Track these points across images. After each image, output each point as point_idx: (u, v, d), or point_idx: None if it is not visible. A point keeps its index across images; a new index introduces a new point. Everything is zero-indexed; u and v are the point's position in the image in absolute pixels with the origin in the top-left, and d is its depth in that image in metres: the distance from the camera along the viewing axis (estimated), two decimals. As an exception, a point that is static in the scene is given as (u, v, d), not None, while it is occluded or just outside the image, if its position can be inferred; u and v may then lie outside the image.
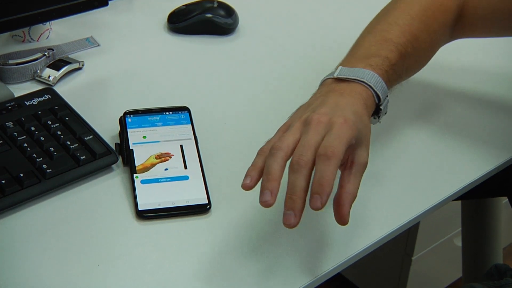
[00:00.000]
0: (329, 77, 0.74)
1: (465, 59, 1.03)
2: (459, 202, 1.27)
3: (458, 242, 1.55)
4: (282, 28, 1.10)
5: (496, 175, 0.84)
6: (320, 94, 0.72)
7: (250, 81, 0.97)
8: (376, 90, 0.72)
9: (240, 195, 0.76)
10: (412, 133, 0.88)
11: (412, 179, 0.81)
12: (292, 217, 0.61)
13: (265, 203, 0.62)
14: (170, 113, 0.84)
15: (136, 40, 1.04)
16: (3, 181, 0.73)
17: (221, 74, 0.98)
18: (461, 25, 0.84)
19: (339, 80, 0.72)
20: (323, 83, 0.75)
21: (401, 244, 1.51)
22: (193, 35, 1.06)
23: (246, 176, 0.65)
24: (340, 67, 0.74)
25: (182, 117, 0.84)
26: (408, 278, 1.54)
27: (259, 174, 0.65)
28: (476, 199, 1.23)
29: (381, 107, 0.73)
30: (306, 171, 0.62)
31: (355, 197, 0.65)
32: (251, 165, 0.66)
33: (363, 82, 0.72)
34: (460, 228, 1.31)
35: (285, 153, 0.64)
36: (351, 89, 0.71)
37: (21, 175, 0.74)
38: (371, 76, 0.72)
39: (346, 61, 0.76)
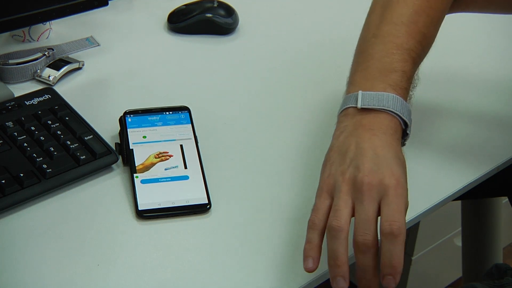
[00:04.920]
0: (351, 105, 0.69)
1: (465, 59, 1.03)
2: (459, 202, 1.27)
3: (458, 242, 1.55)
4: (282, 28, 1.10)
5: (496, 175, 0.84)
6: (349, 133, 0.68)
7: (250, 80, 0.97)
8: (403, 117, 0.68)
9: (240, 195, 0.77)
10: (412, 133, 0.87)
11: (412, 178, 0.80)
12: None
13: None
14: (170, 113, 0.84)
15: (136, 40, 1.04)
16: (3, 181, 0.73)
17: (221, 73, 0.98)
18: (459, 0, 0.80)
19: (363, 109, 0.68)
20: (345, 112, 0.70)
21: (401, 244, 1.51)
22: (193, 35, 1.06)
23: (306, 257, 0.62)
24: (360, 92, 0.69)
25: (182, 117, 0.84)
26: (408, 278, 1.54)
27: (319, 252, 0.63)
28: (476, 199, 1.23)
29: (408, 132, 0.70)
30: (374, 249, 0.61)
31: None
32: (307, 243, 0.63)
33: (390, 111, 0.68)
34: (460, 228, 1.31)
35: (346, 232, 0.62)
36: (380, 123, 0.67)
37: (21, 174, 0.74)
38: (395, 102, 0.68)
39: (361, 79, 0.71)
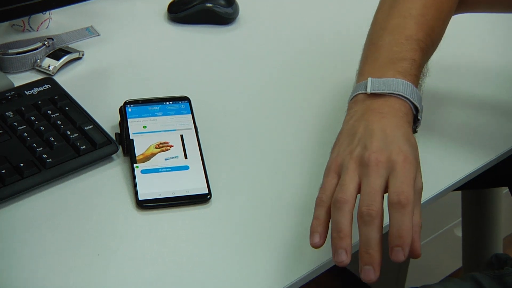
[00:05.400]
0: (360, 92, 0.70)
1: (467, 49, 1.03)
2: (460, 192, 1.27)
3: (458, 232, 1.55)
4: (283, 18, 1.10)
5: (497, 165, 0.84)
6: (358, 117, 0.68)
7: (250, 70, 0.97)
8: (413, 101, 0.68)
9: (240, 185, 0.77)
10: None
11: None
12: (371, 272, 0.59)
13: (341, 263, 0.59)
14: (170, 103, 0.84)
15: (136, 30, 1.04)
16: (3, 171, 0.73)
17: (221, 63, 0.98)
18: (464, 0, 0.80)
19: (373, 94, 0.69)
20: (355, 99, 0.70)
21: (402, 234, 1.51)
22: (193, 24, 1.06)
23: (312, 233, 0.62)
24: (370, 79, 0.69)
25: (182, 107, 0.84)
26: (408, 268, 1.54)
27: (326, 228, 0.62)
28: (477, 189, 1.23)
29: (419, 117, 0.70)
30: (378, 221, 0.60)
31: (421, 226, 0.62)
32: (314, 219, 0.63)
33: (400, 95, 0.68)
34: (461, 218, 1.31)
35: (351, 205, 0.61)
36: (390, 106, 0.67)
37: (21, 164, 0.74)
38: (405, 87, 0.68)
39: (370, 69, 0.72)
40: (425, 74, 0.75)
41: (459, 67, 0.96)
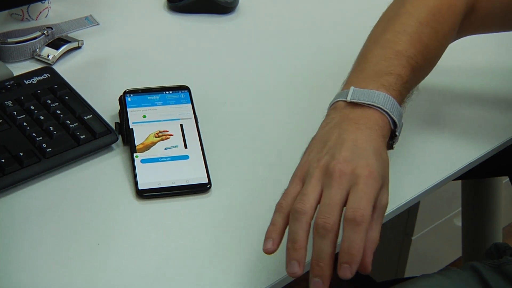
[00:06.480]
0: (340, 99, 0.69)
1: (463, 43, 1.02)
2: (459, 181, 1.27)
3: (458, 222, 1.56)
4: (283, 7, 1.10)
5: (497, 155, 0.84)
6: (334, 124, 0.67)
7: (250, 60, 0.96)
8: (392, 116, 0.68)
9: (240, 175, 0.77)
10: (412, 113, 0.87)
11: (412, 158, 0.81)
12: (320, 284, 0.58)
13: (293, 275, 0.59)
14: (170, 92, 0.84)
15: (135, 19, 1.04)
16: (3, 160, 0.73)
17: (221, 53, 0.98)
18: (470, 22, 0.80)
19: (353, 103, 0.68)
20: (334, 105, 0.70)
21: (401, 224, 1.51)
22: (193, 14, 1.05)
23: (266, 238, 0.61)
24: (352, 88, 0.69)
25: (182, 96, 0.84)
26: (408, 258, 1.54)
27: (281, 235, 0.62)
28: (477, 179, 1.23)
29: (397, 133, 0.69)
30: (332, 235, 0.59)
31: (377, 243, 0.61)
32: (271, 225, 0.62)
33: (379, 108, 0.67)
34: (460, 208, 1.32)
35: (309, 216, 0.60)
36: (367, 118, 0.66)
37: (21, 154, 0.74)
38: (386, 100, 0.67)
39: (355, 79, 0.71)
40: (412, 92, 0.75)
41: (458, 57, 0.95)
